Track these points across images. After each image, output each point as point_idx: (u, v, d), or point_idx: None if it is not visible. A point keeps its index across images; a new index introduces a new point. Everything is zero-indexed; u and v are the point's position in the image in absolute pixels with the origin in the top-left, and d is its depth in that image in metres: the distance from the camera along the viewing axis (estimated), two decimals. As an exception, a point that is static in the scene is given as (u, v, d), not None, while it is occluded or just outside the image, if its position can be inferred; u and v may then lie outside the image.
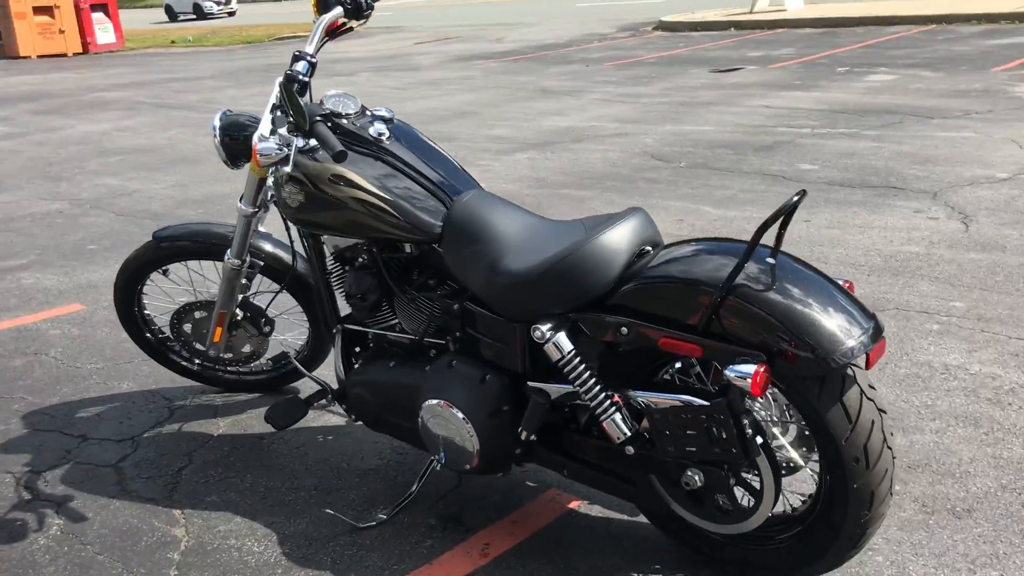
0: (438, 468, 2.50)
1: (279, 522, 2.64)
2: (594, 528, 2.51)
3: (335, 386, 2.83)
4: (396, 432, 2.63)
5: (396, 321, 2.62)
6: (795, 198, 1.86)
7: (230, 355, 3.29)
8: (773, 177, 5.97)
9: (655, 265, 2.09)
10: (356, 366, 2.69)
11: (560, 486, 2.69)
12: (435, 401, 2.37)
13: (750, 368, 1.84)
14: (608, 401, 2.12)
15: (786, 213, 1.88)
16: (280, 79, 2.51)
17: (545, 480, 2.73)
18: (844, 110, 7.95)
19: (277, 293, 3.13)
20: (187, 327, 3.27)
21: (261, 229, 3.04)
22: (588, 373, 2.12)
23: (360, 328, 2.68)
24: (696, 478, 2.07)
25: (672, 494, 2.20)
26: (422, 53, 16.04)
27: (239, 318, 3.16)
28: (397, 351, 2.63)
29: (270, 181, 2.54)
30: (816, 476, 2.09)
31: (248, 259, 2.97)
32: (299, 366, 2.98)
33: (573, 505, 2.61)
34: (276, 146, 2.43)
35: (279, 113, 2.55)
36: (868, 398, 1.95)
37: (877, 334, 1.90)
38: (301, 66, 2.60)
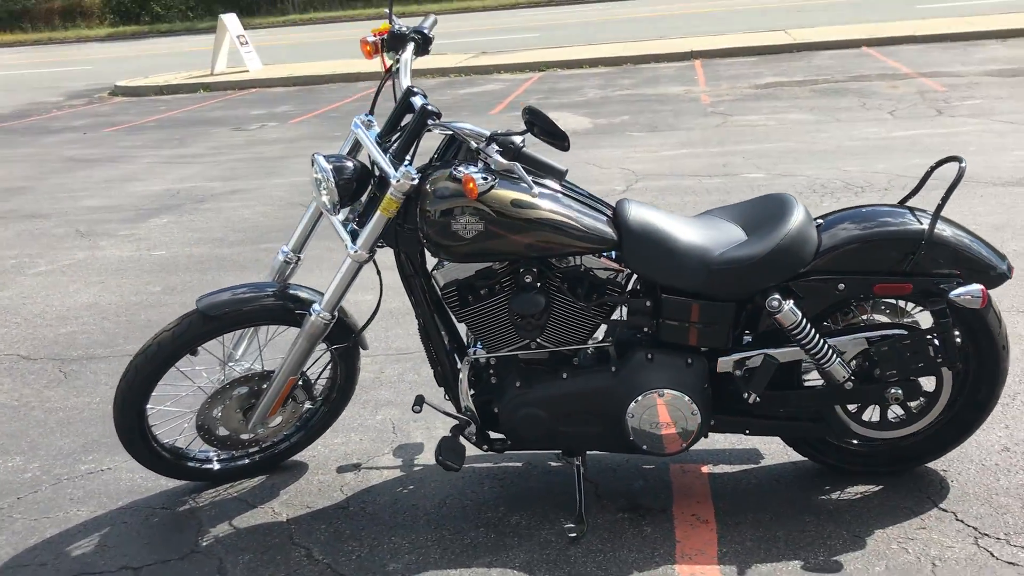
0: (583, 469, 2.77)
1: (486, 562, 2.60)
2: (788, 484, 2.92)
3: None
4: (571, 442, 2.76)
5: (526, 341, 2.72)
6: (962, 164, 2.55)
7: (263, 431, 2.96)
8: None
9: (845, 231, 2.61)
10: (513, 388, 2.71)
11: (679, 460, 3.03)
12: (652, 392, 2.59)
13: (976, 288, 2.49)
14: (830, 350, 2.60)
15: (957, 181, 2.55)
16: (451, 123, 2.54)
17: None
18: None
19: (351, 342, 2.92)
20: (218, 413, 2.87)
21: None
22: (812, 330, 2.58)
23: (498, 354, 2.71)
24: (899, 392, 2.65)
25: (853, 419, 2.74)
26: None
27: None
28: (558, 366, 2.73)
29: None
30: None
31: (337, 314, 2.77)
32: (433, 405, 2.84)
33: (715, 470, 2.98)
34: (483, 175, 2.44)
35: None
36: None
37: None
38: (420, 99, 2.64)
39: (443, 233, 2.54)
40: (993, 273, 2.57)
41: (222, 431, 2.93)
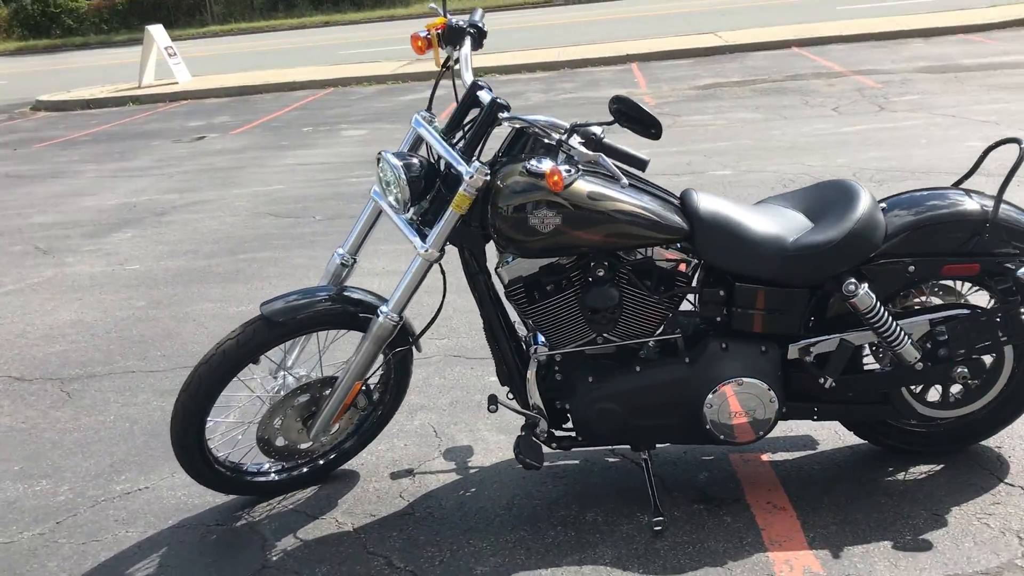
0: (650, 464, 2.78)
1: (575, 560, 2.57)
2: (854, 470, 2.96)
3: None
4: (646, 436, 2.76)
5: (593, 336, 2.71)
6: (1022, 146, 2.62)
7: (326, 439, 2.89)
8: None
9: (910, 214, 2.66)
10: (586, 384, 2.69)
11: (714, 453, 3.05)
12: (731, 382, 2.60)
13: (1044, 268, 2.57)
14: (901, 331, 2.64)
15: (1019, 163, 2.61)
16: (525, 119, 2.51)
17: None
18: (365, 160, 8.56)
19: (410, 345, 2.86)
20: (279, 423, 2.78)
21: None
22: (886, 312, 2.62)
23: (565, 350, 2.69)
24: (965, 370, 2.71)
25: (917, 399, 2.80)
26: None
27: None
28: (626, 359, 2.72)
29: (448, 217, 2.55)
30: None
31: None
32: (508, 405, 2.79)
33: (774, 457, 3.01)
34: (567, 168, 2.42)
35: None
36: None
37: None
38: (487, 93, 2.61)
39: (519, 228, 2.51)
40: None
41: (281, 441, 2.84)
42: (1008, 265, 2.62)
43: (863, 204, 2.62)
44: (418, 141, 2.78)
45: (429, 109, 2.81)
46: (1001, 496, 2.68)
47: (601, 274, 2.63)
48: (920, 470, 2.86)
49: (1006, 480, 2.75)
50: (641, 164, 2.45)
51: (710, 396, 2.63)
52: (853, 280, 2.58)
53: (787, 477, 2.88)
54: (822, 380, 2.68)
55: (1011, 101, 8.52)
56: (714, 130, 8.50)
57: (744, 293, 2.63)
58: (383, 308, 2.68)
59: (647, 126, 2.36)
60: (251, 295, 4.99)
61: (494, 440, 3.24)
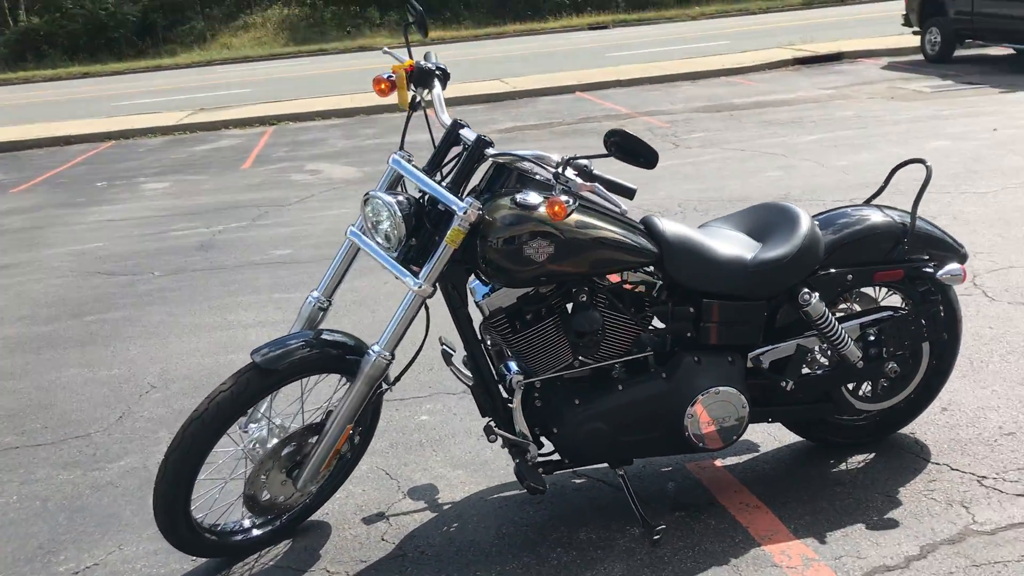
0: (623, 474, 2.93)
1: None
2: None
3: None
4: (630, 452, 2.91)
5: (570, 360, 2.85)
6: (928, 164, 3.01)
7: (314, 488, 2.83)
8: (256, 265, 6.27)
9: (842, 229, 2.98)
10: (573, 407, 2.80)
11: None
12: (709, 391, 2.81)
13: (957, 267, 2.96)
14: (844, 334, 2.95)
15: (926, 182, 3.00)
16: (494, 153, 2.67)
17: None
18: (200, 211, 8.27)
19: (392, 384, 2.85)
20: (264, 477, 2.70)
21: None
22: (831, 318, 2.92)
23: (545, 376, 2.80)
24: (895, 365, 3.06)
25: (852, 395, 3.12)
26: None
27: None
28: (606, 379, 2.86)
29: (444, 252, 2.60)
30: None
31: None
32: (502, 433, 2.82)
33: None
34: (566, 199, 2.55)
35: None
36: None
37: None
38: (470, 132, 2.71)
39: (514, 259, 2.60)
40: (958, 255, 3.04)
41: (266, 495, 2.74)
42: (926, 269, 2.98)
43: (805, 222, 2.90)
44: (396, 180, 2.80)
45: (402, 148, 2.84)
46: (934, 474, 3.02)
47: (584, 299, 2.76)
48: (857, 460, 3.17)
49: (932, 460, 3.11)
50: (630, 193, 2.61)
51: (690, 407, 2.80)
52: (807, 290, 2.85)
53: (746, 479, 3.10)
54: (783, 383, 2.93)
55: (787, 135, 9.43)
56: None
57: (711, 309, 2.84)
58: (374, 347, 2.67)
59: (643, 156, 2.51)
60: (119, 357, 4.71)
61: (454, 476, 3.27)
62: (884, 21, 17.76)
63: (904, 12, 14.38)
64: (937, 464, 3.08)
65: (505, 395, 2.84)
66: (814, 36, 17.15)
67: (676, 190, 7.43)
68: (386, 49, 3.04)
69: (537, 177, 2.70)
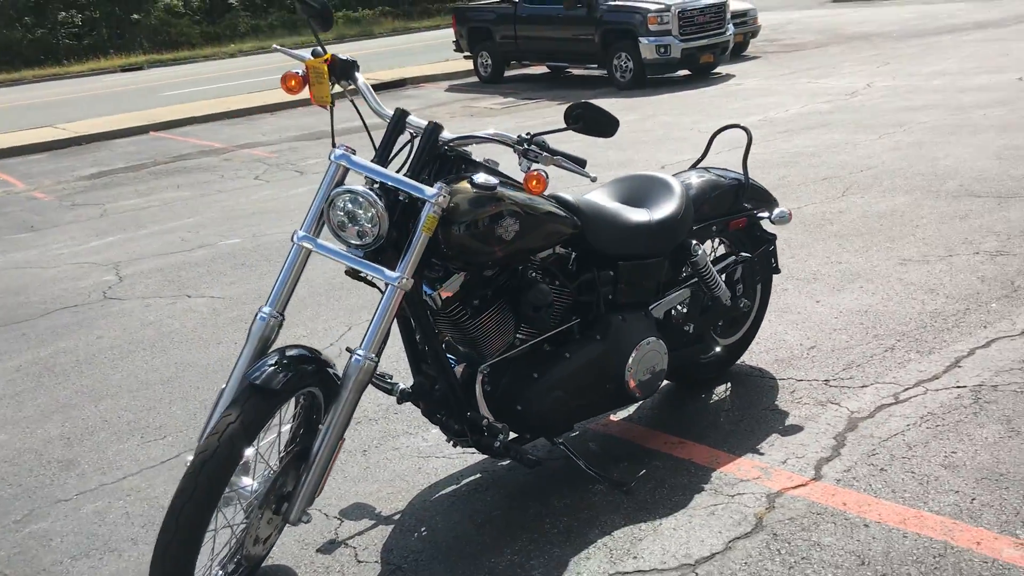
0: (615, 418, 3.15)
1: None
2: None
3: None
4: (583, 414, 3.08)
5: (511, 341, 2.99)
6: (747, 129, 3.56)
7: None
8: None
9: (697, 189, 3.41)
10: (532, 380, 2.90)
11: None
12: (641, 347, 3.09)
13: (785, 210, 3.54)
14: (719, 278, 3.40)
15: (749, 142, 3.55)
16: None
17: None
18: None
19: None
20: (258, 524, 2.48)
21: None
22: (711, 265, 3.35)
23: (498, 358, 2.89)
24: (748, 302, 3.57)
25: (716, 335, 3.58)
26: None
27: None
28: (548, 349, 3.00)
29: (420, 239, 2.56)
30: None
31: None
32: (480, 421, 2.80)
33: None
34: (541, 171, 2.66)
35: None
36: None
37: None
38: (417, 118, 2.74)
39: (485, 240, 2.64)
40: (775, 203, 3.62)
41: (254, 545, 2.48)
42: (762, 215, 3.52)
43: (679, 185, 3.28)
44: (342, 178, 2.66)
45: (333, 143, 2.71)
46: (791, 386, 3.56)
47: (534, 275, 2.87)
48: (721, 390, 3.62)
49: (779, 377, 3.65)
50: (583, 163, 2.76)
51: (630, 361, 3.03)
52: (695, 242, 3.23)
53: (650, 424, 3.40)
54: (687, 327, 3.27)
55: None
56: (159, 210, 8.34)
57: (627, 270, 3.10)
58: (359, 351, 2.53)
59: (607, 126, 2.69)
60: None
61: (384, 491, 3.15)
62: (438, 48, 19.14)
63: (455, 39, 15.67)
64: (784, 379, 3.63)
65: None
66: (371, 65, 17.95)
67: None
68: (277, 47, 2.86)
69: (477, 159, 2.74)
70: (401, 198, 2.61)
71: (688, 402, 3.55)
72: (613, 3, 13.25)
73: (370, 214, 2.50)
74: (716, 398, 3.56)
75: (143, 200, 8.93)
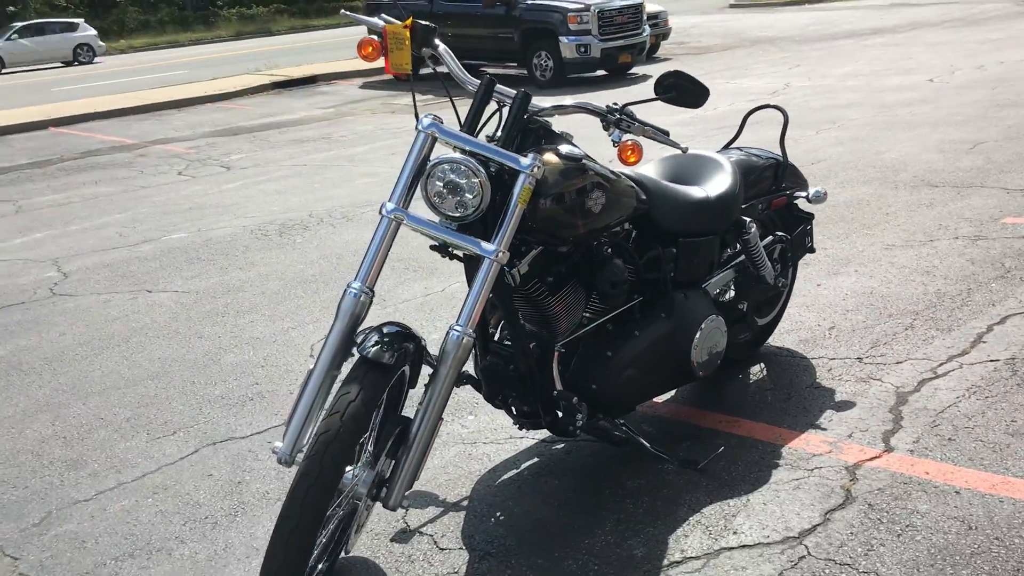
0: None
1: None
2: None
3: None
4: (650, 393, 3.02)
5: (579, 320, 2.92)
6: (784, 110, 3.57)
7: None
8: None
9: (745, 169, 3.39)
10: (606, 359, 2.82)
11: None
12: (705, 325, 3.05)
13: (822, 189, 3.56)
14: (765, 257, 3.39)
15: (785, 125, 3.55)
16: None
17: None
18: None
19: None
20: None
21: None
22: (759, 243, 3.34)
23: (569, 338, 2.81)
24: (785, 280, 3.57)
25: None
26: None
27: None
28: (611, 328, 2.93)
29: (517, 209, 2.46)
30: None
31: None
32: (560, 401, 2.71)
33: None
34: (635, 141, 2.60)
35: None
36: None
37: None
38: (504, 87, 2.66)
39: (574, 213, 2.56)
40: (807, 183, 3.64)
41: (359, 529, 2.35)
42: (799, 194, 3.53)
43: (729, 163, 3.25)
44: (431, 148, 2.53)
45: (417, 115, 2.58)
46: (826, 364, 3.58)
47: (609, 251, 2.79)
48: (756, 370, 3.61)
49: (811, 357, 3.66)
50: (667, 133, 2.72)
51: (696, 338, 2.99)
52: (749, 219, 3.21)
53: (700, 404, 3.37)
54: (740, 305, 3.25)
55: (334, 148, 9.74)
56: (75, 207, 7.94)
57: (687, 247, 3.06)
58: (457, 326, 2.41)
59: (699, 94, 2.64)
60: None
61: (439, 479, 3.02)
62: (345, 46, 18.78)
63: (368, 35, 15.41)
64: (817, 358, 3.65)
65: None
66: (279, 62, 17.49)
67: (294, 202, 7.30)
68: (347, 12, 2.70)
69: (555, 131, 2.66)
70: (491, 169, 2.49)
71: (727, 382, 3.53)
72: (532, 2, 13.27)
73: (473, 184, 2.38)
74: (755, 377, 3.55)
75: (61, 196, 8.48)
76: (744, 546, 2.52)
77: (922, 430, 3.01)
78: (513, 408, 2.84)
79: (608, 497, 2.82)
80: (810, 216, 3.63)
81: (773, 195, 3.46)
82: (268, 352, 4.25)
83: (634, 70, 13.87)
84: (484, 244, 2.42)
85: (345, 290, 2.41)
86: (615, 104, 2.60)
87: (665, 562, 2.49)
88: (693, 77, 2.62)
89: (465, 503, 2.86)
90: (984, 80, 9.85)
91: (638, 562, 2.50)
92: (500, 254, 2.41)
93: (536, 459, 3.09)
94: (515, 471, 3.03)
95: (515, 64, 13.79)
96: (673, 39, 17.09)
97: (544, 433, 3.20)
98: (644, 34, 13.48)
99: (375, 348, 2.23)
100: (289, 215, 6.92)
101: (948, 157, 6.69)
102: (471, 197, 2.39)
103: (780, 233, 3.53)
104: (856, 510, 2.62)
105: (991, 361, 3.44)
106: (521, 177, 2.43)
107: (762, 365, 3.63)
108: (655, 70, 13.72)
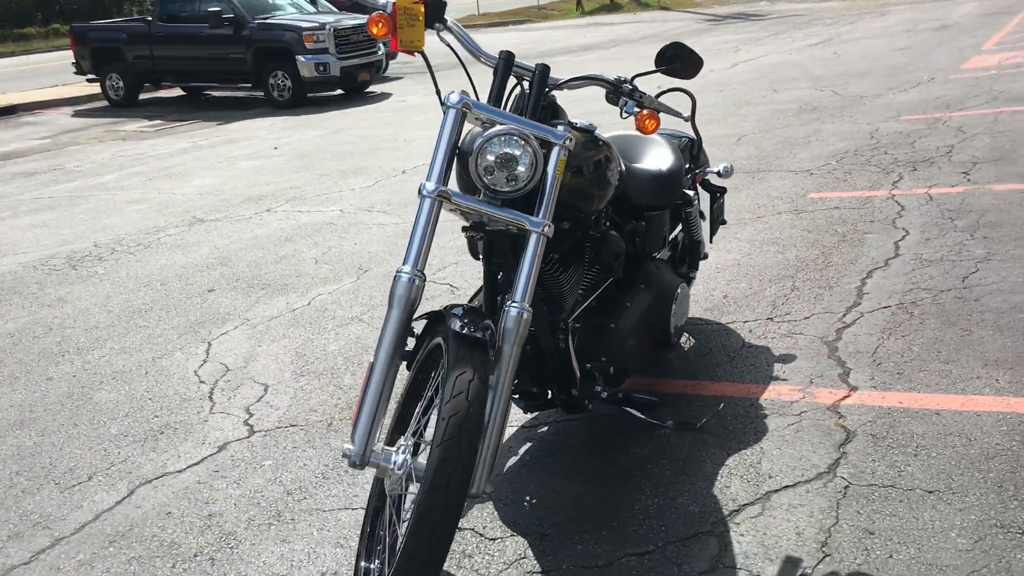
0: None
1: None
2: None
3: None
4: (645, 360, 3.09)
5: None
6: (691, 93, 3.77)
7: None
8: None
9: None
10: (610, 331, 2.85)
11: None
12: (679, 293, 3.18)
13: (729, 164, 3.79)
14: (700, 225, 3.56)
15: (694, 106, 3.75)
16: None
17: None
18: None
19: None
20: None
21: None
22: (697, 214, 3.51)
23: (577, 312, 2.82)
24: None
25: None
26: None
27: None
28: (608, 297, 2.97)
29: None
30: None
31: None
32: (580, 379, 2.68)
33: None
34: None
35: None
36: None
37: None
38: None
39: (598, 185, 2.61)
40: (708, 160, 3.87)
41: None
42: (710, 168, 3.74)
43: (665, 140, 3.39)
44: (462, 123, 2.43)
45: (439, 93, 2.48)
46: (741, 325, 3.81)
47: (608, 224, 2.83)
48: (683, 339, 3.77)
49: (719, 322, 3.89)
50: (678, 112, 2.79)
51: (673, 306, 3.09)
52: (693, 192, 3.36)
53: (646, 373, 3.46)
54: (692, 274, 3.39)
55: (77, 180, 8.95)
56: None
57: (651, 220, 3.15)
58: (515, 303, 2.33)
59: (696, 65, 2.73)
60: None
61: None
62: (39, 74, 17.07)
63: (74, 60, 14.22)
64: (730, 323, 3.86)
65: None
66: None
67: (71, 233, 6.61)
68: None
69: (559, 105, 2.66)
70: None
71: (665, 351, 3.64)
72: (263, 21, 12.89)
73: (528, 155, 2.32)
74: (688, 345, 3.69)
75: None
76: (786, 487, 2.63)
77: (871, 369, 3.29)
78: (516, 392, 2.77)
79: (627, 466, 2.83)
80: (723, 189, 3.84)
81: (695, 171, 3.63)
82: (148, 384, 3.83)
83: (371, 88, 13.84)
84: (532, 218, 2.36)
85: (396, 277, 2.26)
86: (620, 77, 2.63)
87: (725, 511, 2.55)
88: (691, 48, 2.71)
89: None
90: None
91: (699, 516, 2.54)
92: (546, 227, 2.37)
93: (529, 444, 3.04)
94: (515, 458, 2.96)
95: (248, 85, 13.29)
96: (401, 58, 17.25)
97: (525, 418, 3.14)
98: (379, 52, 13.50)
99: (471, 327, 2.13)
100: (69, 247, 6.25)
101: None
102: (523, 170, 2.32)
103: (720, 198, 3.73)
104: (863, 441, 2.81)
105: (884, 308, 3.82)
106: (556, 149, 2.40)
107: (686, 333, 3.79)
108: (394, 87, 13.82)
